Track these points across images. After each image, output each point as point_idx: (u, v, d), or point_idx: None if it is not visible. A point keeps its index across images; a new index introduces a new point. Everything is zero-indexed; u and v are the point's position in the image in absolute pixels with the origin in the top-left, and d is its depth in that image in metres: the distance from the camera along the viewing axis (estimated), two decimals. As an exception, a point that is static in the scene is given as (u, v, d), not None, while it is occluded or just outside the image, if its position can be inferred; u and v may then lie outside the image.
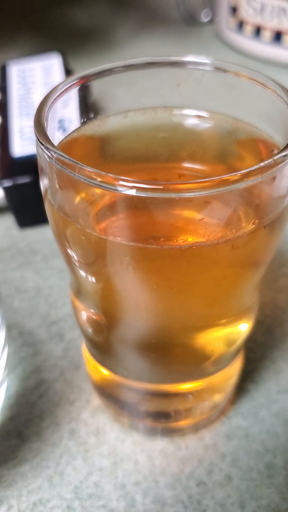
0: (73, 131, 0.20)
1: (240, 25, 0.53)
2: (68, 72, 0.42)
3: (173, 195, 0.14)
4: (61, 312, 0.30)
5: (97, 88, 0.20)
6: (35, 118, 0.16)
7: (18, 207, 0.34)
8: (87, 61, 0.53)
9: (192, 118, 0.21)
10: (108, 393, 0.25)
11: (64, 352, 0.28)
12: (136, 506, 0.22)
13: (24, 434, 0.25)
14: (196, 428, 0.25)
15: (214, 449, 0.24)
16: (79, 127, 0.20)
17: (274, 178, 0.15)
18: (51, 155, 0.15)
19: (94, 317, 0.21)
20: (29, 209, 0.34)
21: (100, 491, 0.23)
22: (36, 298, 0.31)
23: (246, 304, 0.20)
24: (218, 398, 0.24)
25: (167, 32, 0.62)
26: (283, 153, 0.15)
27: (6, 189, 0.33)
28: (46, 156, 0.16)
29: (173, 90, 0.21)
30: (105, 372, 0.23)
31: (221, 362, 0.21)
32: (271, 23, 0.50)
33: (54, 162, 0.15)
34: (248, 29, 0.52)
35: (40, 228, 0.36)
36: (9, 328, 0.30)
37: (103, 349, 0.23)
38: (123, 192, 0.14)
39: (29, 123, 0.36)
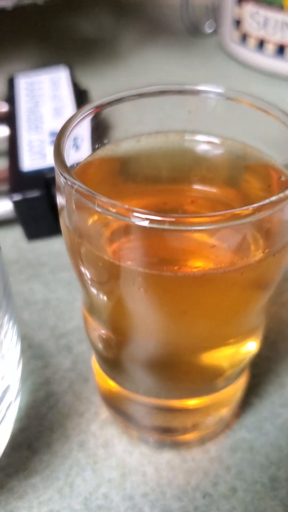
0: (88, 156, 0.20)
1: (244, 37, 0.54)
2: (75, 85, 0.42)
3: (185, 228, 0.15)
4: (69, 325, 0.31)
5: (111, 114, 0.20)
6: (54, 149, 0.17)
7: (27, 220, 0.35)
8: (92, 72, 0.53)
9: (202, 143, 0.21)
10: (116, 406, 0.25)
11: (73, 364, 0.29)
12: (144, 517, 0.23)
13: (35, 446, 0.26)
14: (202, 441, 0.25)
15: (219, 462, 0.25)
16: (93, 152, 0.21)
17: (284, 210, 0.16)
18: (71, 185, 0.16)
19: (104, 333, 0.22)
20: (38, 222, 0.35)
21: (109, 503, 0.23)
22: (45, 311, 0.32)
23: (255, 323, 0.21)
24: (224, 412, 0.25)
25: (171, 42, 0.62)
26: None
27: (16, 203, 0.33)
28: (64, 184, 0.17)
29: (184, 116, 0.21)
30: (113, 385, 0.24)
31: (229, 379, 0.22)
32: (275, 37, 0.51)
33: (73, 192, 0.16)
34: (252, 42, 0.53)
35: (48, 241, 0.36)
36: (21, 340, 0.30)
37: (112, 364, 0.23)
38: (137, 223, 0.15)
39: (38, 136, 0.37)
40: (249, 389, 0.27)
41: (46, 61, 0.57)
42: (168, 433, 0.24)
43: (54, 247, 0.36)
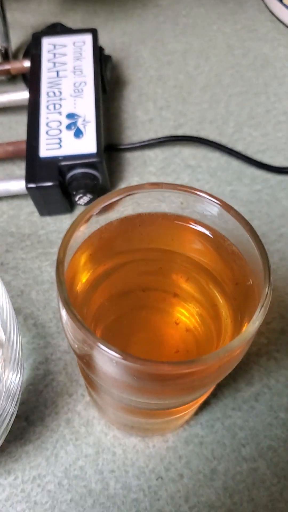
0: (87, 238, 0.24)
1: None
2: (100, 50, 0.42)
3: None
4: (69, 310, 0.36)
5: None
6: (57, 284, 0.21)
7: (40, 202, 0.38)
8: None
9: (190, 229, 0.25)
10: (93, 397, 0.31)
11: (69, 347, 0.35)
12: (109, 489, 0.30)
13: (31, 418, 0.32)
14: (164, 432, 0.32)
15: (174, 451, 0.31)
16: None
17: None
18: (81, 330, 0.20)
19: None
20: (49, 204, 0.38)
21: (83, 474, 0.31)
22: (50, 292, 0.37)
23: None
24: (187, 416, 0.31)
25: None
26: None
27: (29, 189, 0.37)
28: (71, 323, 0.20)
29: (177, 207, 0.24)
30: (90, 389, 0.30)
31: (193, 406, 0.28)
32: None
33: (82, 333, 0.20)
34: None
35: (58, 218, 0.40)
36: (26, 318, 0.36)
37: (91, 386, 0.29)
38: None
39: (55, 116, 0.39)
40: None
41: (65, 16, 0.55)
42: (133, 430, 0.31)
43: (63, 226, 0.40)
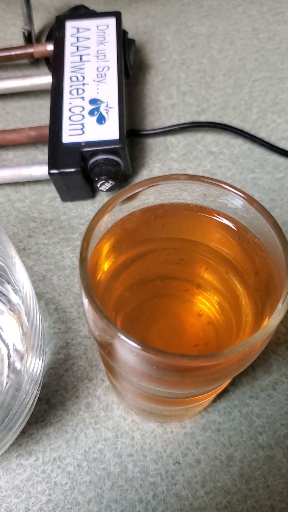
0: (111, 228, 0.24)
1: None
2: (123, 33, 0.42)
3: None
4: (89, 295, 0.36)
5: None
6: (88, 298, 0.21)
7: (62, 188, 0.38)
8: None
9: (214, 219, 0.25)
10: (114, 385, 0.32)
11: (89, 333, 0.35)
12: (127, 472, 0.31)
13: (51, 402, 0.33)
14: (182, 418, 0.32)
15: (192, 437, 0.32)
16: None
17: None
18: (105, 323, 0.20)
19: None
20: (71, 190, 0.38)
21: (102, 457, 0.31)
22: (71, 277, 0.37)
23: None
24: (206, 404, 0.31)
25: None
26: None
27: (52, 175, 0.37)
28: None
29: (199, 196, 0.24)
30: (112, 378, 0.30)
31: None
32: None
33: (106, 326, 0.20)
34: None
35: (80, 203, 0.40)
36: (47, 303, 0.36)
37: (111, 372, 0.29)
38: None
39: (78, 101, 0.39)
40: (227, 381, 0.33)
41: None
42: (152, 416, 0.31)
43: (85, 212, 0.40)
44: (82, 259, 0.21)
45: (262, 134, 0.44)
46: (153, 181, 0.23)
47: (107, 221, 0.23)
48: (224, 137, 0.44)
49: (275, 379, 0.34)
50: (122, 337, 0.19)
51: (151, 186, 0.23)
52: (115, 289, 0.25)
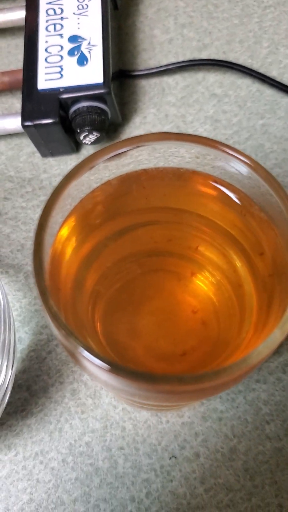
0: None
1: None
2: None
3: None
4: (74, 266, 0.32)
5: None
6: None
7: (39, 142, 0.33)
8: None
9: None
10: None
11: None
12: (118, 468, 0.28)
13: (33, 388, 0.29)
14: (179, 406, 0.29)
15: (190, 427, 0.28)
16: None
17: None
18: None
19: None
20: (50, 144, 0.33)
21: (90, 451, 0.28)
22: (53, 245, 0.33)
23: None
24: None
25: None
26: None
27: (26, 127, 0.32)
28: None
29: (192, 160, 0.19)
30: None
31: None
32: None
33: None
34: None
35: (61, 159, 0.35)
36: (27, 277, 0.32)
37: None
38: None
39: (56, 40, 0.33)
40: (230, 364, 0.29)
41: None
42: (144, 408, 0.28)
43: (68, 168, 0.35)
44: (38, 244, 0.16)
45: (273, 73, 0.38)
46: (136, 141, 0.18)
47: (74, 194, 0.18)
48: (229, 77, 0.38)
49: (285, 360, 0.30)
50: (87, 354, 0.15)
51: (136, 147, 0.18)
52: (90, 279, 0.20)
